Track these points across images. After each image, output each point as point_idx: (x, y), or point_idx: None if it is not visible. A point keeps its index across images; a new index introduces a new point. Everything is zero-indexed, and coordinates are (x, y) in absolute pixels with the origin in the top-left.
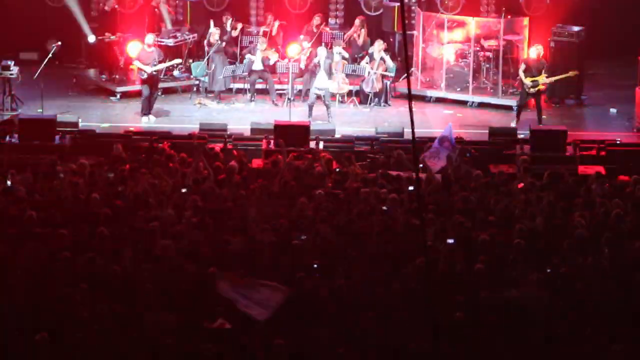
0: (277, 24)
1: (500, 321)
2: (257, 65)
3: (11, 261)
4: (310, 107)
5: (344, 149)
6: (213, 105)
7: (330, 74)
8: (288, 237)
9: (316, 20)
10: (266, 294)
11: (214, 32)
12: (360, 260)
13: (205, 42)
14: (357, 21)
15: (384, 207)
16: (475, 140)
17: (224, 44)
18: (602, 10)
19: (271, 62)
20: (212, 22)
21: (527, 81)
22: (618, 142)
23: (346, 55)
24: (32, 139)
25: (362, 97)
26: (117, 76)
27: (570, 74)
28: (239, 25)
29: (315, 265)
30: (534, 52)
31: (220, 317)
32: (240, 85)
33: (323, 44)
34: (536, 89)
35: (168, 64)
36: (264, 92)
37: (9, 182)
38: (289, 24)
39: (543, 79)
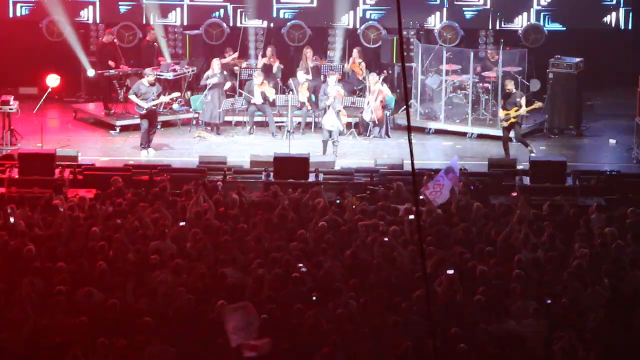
0: (277, 64)
1: (500, 352)
2: (257, 100)
3: (11, 295)
4: (325, 143)
5: (343, 181)
6: (212, 138)
7: (337, 111)
8: (287, 269)
9: (308, 53)
10: (239, 318)
11: (214, 65)
12: (360, 291)
13: (204, 75)
14: (354, 52)
15: (385, 239)
16: (475, 171)
17: (219, 77)
18: (601, 42)
19: (270, 99)
20: (214, 61)
21: (501, 114)
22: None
23: (342, 91)
24: (32, 173)
25: (361, 128)
26: (114, 110)
27: (536, 105)
28: (244, 64)
29: (315, 298)
30: (507, 85)
31: None
32: (239, 118)
33: (327, 79)
34: (508, 122)
35: (166, 97)
36: (263, 124)
37: (11, 219)
38: (288, 57)
39: (513, 113)
